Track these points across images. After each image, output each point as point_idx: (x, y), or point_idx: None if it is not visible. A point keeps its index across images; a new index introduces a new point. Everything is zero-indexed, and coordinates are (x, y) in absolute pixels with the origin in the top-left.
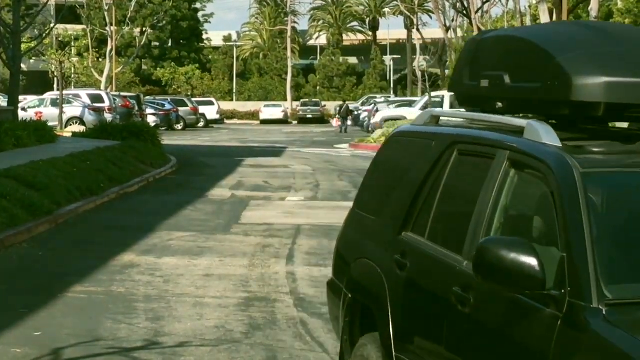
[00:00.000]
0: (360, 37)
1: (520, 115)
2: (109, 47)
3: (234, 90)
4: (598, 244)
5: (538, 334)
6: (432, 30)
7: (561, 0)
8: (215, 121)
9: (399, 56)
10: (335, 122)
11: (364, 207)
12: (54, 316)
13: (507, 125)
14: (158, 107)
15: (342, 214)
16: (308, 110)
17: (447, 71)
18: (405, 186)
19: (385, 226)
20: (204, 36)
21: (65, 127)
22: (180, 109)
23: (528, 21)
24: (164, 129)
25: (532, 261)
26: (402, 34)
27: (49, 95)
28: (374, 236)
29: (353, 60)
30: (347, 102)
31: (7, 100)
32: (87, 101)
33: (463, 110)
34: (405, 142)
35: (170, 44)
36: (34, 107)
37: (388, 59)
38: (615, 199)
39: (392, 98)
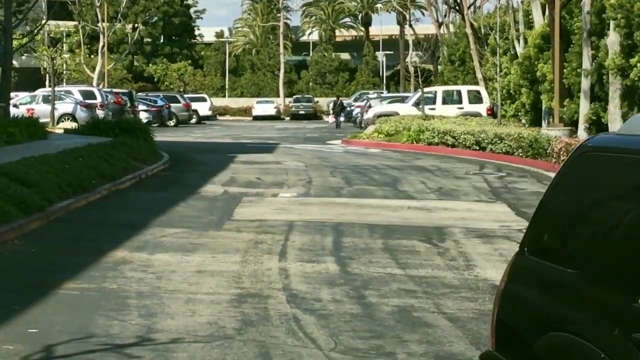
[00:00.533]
0: (353, 33)
1: None
2: (101, 44)
3: (226, 87)
4: None
5: None
6: (425, 26)
7: None
8: (207, 117)
9: (392, 52)
10: (331, 118)
11: (546, 253)
12: (46, 313)
13: None
14: (150, 103)
15: (335, 210)
16: (300, 107)
17: (439, 67)
18: (636, 227)
19: (596, 285)
20: (196, 32)
21: (57, 123)
22: (172, 105)
23: (520, 17)
24: (156, 125)
25: None
26: (394, 29)
27: (40, 92)
28: (575, 299)
29: (345, 56)
30: (340, 98)
31: None
32: (79, 98)
33: None
34: (615, 160)
35: (162, 40)
36: (26, 103)
37: (380, 55)
38: None
39: (385, 94)
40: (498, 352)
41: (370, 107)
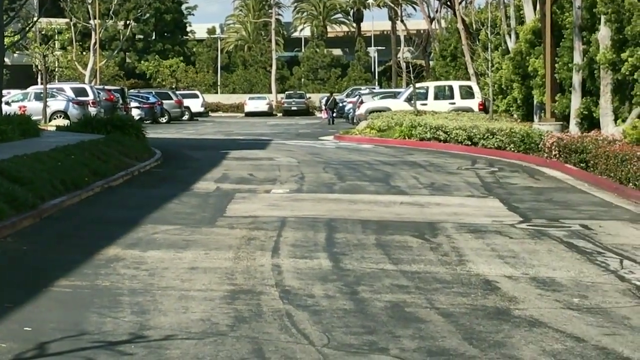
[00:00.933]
0: (345, 28)
1: None
2: (93, 41)
3: (219, 83)
4: None
5: None
6: (416, 22)
7: None
8: (199, 114)
9: (384, 47)
10: (324, 114)
11: None
12: (39, 310)
13: None
14: (142, 100)
15: (328, 206)
16: (293, 103)
17: (431, 62)
18: None
19: None
20: (188, 29)
21: (49, 120)
22: (164, 102)
23: (512, 12)
24: (148, 122)
25: None
26: (386, 25)
27: (32, 89)
28: None
29: (337, 52)
30: (334, 94)
31: None
32: (71, 95)
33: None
34: None
35: (154, 37)
36: (18, 101)
37: (372, 51)
38: None
39: (377, 89)
40: None
41: (362, 102)
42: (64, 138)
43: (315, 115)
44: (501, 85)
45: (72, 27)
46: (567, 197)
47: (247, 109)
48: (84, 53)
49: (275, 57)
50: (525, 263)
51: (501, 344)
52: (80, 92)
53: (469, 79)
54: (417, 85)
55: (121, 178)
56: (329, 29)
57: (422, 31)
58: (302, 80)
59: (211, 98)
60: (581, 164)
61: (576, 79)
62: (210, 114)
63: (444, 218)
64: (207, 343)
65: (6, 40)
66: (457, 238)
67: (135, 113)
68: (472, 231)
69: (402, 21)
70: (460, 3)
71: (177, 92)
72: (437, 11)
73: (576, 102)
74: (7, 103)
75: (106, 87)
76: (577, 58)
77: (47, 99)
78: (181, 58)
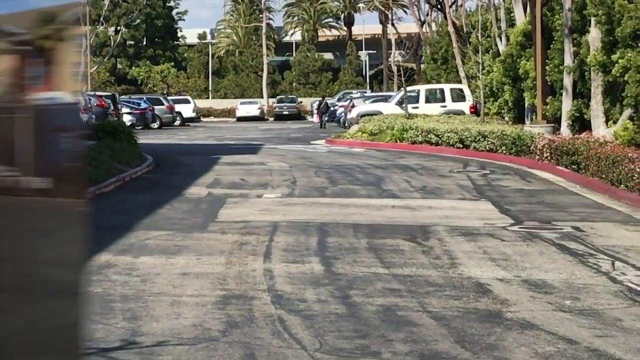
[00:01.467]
0: (335, 32)
1: None
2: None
3: (210, 88)
4: None
5: None
6: (407, 25)
7: None
8: (191, 119)
9: (375, 51)
10: (316, 118)
11: None
12: None
13: None
14: (134, 106)
15: (319, 210)
16: (284, 107)
17: (422, 65)
18: None
19: None
20: (179, 34)
21: None
22: (156, 107)
23: (502, 15)
24: (139, 127)
25: None
26: (377, 29)
27: None
28: None
29: (329, 56)
30: (325, 98)
31: None
32: None
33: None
34: None
35: (145, 43)
36: None
37: (363, 54)
38: None
39: (368, 93)
40: None
41: (353, 106)
42: None
43: (307, 119)
44: (492, 88)
45: None
46: (558, 199)
47: (238, 113)
48: None
49: (266, 62)
50: (517, 265)
51: (493, 347)
52: None
53: (460, 82)
54: (409, 88)
55: (112, 184)
56: (320, 33)
57: (413, 34)
58: (294, 84)
59: (203, 103)
60: (573, 166)
61: (567, 81)
62: (202, 119)
63: (436, 221)
64: (199, 349)
65: None
66: (449, 241)
67: (127, 119)
68: (464, 234)
69: (392, 25)
70: (450, 6)
71: (169, 98)
72: (427, 14)
73: (567, 104)
74: None
75: (97, 93)
76: (568, 60)
77: None
78: (172, 63)
